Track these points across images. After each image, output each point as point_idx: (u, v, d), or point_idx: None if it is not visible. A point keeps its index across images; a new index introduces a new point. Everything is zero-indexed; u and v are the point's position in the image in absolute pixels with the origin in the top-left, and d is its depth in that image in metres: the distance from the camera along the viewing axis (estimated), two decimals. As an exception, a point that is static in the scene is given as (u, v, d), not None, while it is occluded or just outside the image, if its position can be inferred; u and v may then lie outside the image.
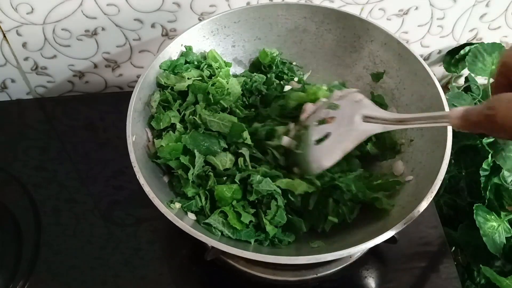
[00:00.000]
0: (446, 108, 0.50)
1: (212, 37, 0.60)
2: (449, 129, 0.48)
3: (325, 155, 0.47)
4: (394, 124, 0.43)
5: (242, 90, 0.57)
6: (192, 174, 0.50)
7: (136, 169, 0.46)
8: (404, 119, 0.42)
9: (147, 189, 0.45)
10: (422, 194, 0.45)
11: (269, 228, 0.48)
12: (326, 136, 0.47)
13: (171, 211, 0.44)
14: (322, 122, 0.48)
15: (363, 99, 0.46)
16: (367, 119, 0.44)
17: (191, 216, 0.49)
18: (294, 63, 0.63)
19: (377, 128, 0.44)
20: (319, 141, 0.47)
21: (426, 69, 0.53)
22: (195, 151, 0.50)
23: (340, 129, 0.46)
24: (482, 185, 0.62)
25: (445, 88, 0.81)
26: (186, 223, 0.44)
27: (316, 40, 0.62)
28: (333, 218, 0.49)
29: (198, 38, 0.59)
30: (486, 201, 0.62)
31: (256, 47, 0.62)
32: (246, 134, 0.51)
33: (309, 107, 0.51)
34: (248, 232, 0.48)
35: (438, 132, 0.50)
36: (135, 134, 0.49)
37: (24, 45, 0.67)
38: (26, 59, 0.69)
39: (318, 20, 0.60)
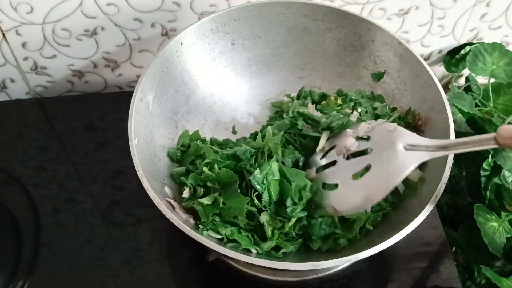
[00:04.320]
0: (448, 110, 0.50)
1: (212, 35, 0.59)
2: (452, 131, 0.48)
3: (372, 189, 0.43)
4: (439, 150, 0.40)
5: None
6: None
7: (140, 173, 0.45)
8: (448, 145, 0.40)
9: (151, 194, 0.44)
10: (426, 198, 0.45)
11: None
12: (366, 169, 0.44)
13: (175, 215, 0.44)
14: (353, 155, 0.45)
15: (397, 127, 0.43)
16: (409, 147, 0.41)
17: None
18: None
19: (424, 156, 0.41)
20: (358, 175, 0.44)
21: (427, 71, 0.53)
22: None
23: (381, 160, 0.43)
24: (482, 185, 0.62)
25: (446, 88, 0.80)
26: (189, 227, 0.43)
27: (316, 38, 0.62)
28: (369, 226, 0.48)
29: (197, 37, 0.58)
30: (487, 201, 0.61)
31: (255, 45, 0.62)
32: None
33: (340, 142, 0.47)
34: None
35: (440, 135, 0.49)
36: (138, 136, 0.49)
37: (23, 45, 0.67)
38: (25, 59, 0.69)
39: (318, 18, 0.60)
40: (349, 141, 0.46)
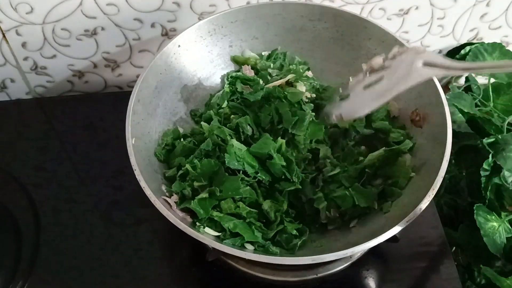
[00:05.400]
0: (445, 105, 0.50)
1: (210, 37, 0.60)
2: (449, 126, 0.49)
3: (376, 95, 0.45)
4: (459, 70, 0.41)
5: None
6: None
7: (137, 172, 0.46)
8: (470, 67, 0.42)
9: (148, 192, 0.45)
10: (423, 192, 0.45)
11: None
12: (379, 80, 0.45)
13: (172, 213, 0.44)
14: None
15: (426, 51, 0.43)
16: (428, 64, 0.42)
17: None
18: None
19: (439, 72, 0.42)
20: (369, 86, 0.46)
21: None
22: None
23: (395, 72, 0.44)
24: (482, 185, 0.62)
25: (446, 88, 0.80)
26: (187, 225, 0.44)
27: (313, 38, 0.62)
28: (362, 203, 0.50)
29: (195, 39, 0.59)
30: (487, 201, 0.61)
31: (253, 47, 0.62)
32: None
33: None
34: None
35: (437, 129, 0.50)
36: (135, 136, 0.49)
37: (23, 45, 0.67)
38: (25, 59, 0.69)
39: (314, 18, 0.60)
40: (375, 60, 0.46)
